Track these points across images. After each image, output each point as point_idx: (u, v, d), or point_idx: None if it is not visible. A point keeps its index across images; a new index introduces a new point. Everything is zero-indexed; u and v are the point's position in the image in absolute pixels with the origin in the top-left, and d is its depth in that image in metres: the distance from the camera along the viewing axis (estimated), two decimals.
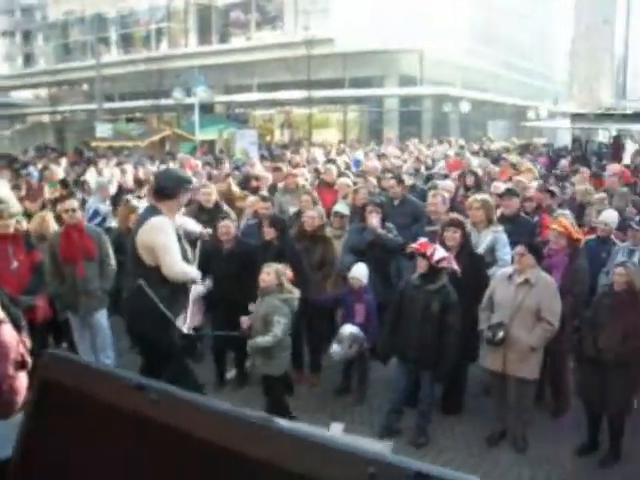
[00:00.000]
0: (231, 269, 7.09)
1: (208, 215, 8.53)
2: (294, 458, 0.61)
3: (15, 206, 8.51)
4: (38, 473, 0.80)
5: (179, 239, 5.39)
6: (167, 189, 5.37)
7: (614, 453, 5.95)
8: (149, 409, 0.71)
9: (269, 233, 7.16)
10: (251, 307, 6.53)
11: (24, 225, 7.51)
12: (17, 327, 5.90)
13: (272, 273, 6.16)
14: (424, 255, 6.14)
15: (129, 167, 15.31)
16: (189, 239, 5.77)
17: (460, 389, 6.92)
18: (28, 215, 8.59)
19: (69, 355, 0.81)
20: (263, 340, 6.01)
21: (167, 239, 5.21)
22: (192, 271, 5.43)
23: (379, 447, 0.61)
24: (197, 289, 5.88)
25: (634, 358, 5.76)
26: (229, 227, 7.39)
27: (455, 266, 6.27)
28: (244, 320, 6.42)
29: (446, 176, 13.18)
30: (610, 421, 6.01)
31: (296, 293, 6.27)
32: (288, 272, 6.31)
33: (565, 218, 7.46)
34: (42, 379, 0.81)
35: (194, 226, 6.17)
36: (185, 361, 5.76)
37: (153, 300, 5.08)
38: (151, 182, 11.28)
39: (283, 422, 0.65)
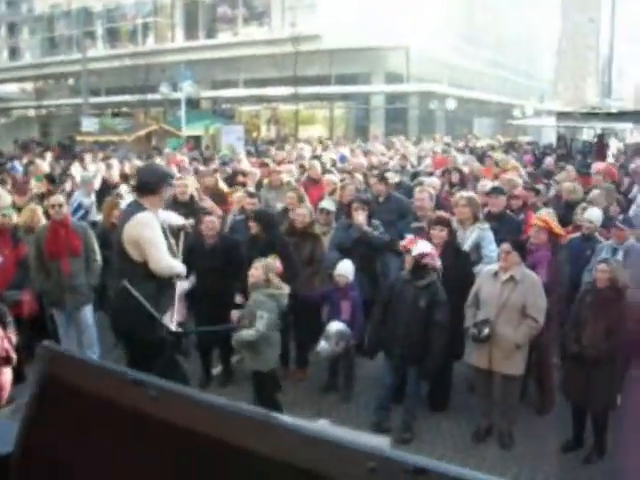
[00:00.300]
0: (215, 264, 7.07)
1: (184, 208, 8.50)
2: (293, 452, 0.61)
3: (5, 199, 8.50)
4: (38, 468, 0.80)
5: (165, 234, 5.39)
6: (150, 184, 5.37)
7: (598, 449, 6.00)
8: (148, 405, 0.72)
9: (253, 227, 7.18)
10: (238, 299, 6.57)
11: (14, 219, 7.49)
12: (1, 323, 5.90)
13: (260, 268, 6.17)
14: (409, 251, 6.18)
15: (115, 162, 15.23)
16: (172, 233, 5.76)
17: (446, 386, 6.94)
18: (17, 209, 8.57)
19: (68, 350, 0.81)
20: (247, 334, 6.01)
21: (153, 234, 5.21)
22: (178, 265, 5.42)
23: (377, 441, 0.61)
24: (182, 285, 5.87)
25: (617, 354, 5.82)
26: (214, 222, 7.37)
27: (437, 263, 6.30)
28: (234, 313, 6.45)
29: (431, 173, 13.22)
30: (594, 417, 6.06)
31: (285, 289, 6.28)
32: (278, 266, 6.33)
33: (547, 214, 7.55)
34: (42, 374, 0.81)
35: (177, 219, 6.16)
36: (174, 357, 5.74)
37: (138, 299, 5.05)
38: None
39: (282, 417, 0.66)
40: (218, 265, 7.03)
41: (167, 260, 5.28)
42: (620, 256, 6.94)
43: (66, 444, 0.79)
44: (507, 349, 6.02)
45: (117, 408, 0.74)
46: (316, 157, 14.86)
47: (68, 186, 11.70)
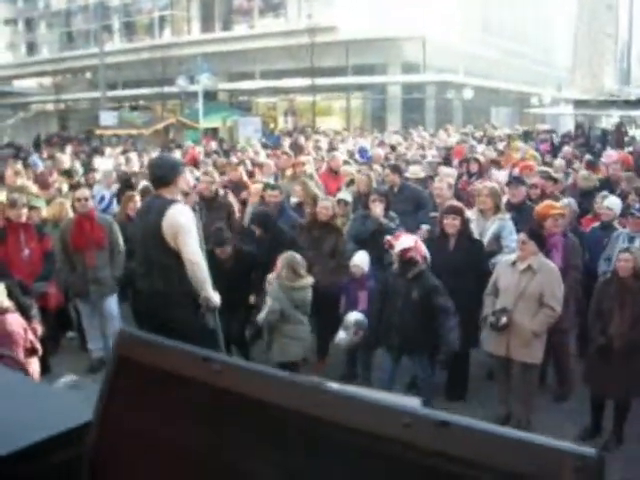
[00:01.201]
0: (233, 283, 6.98)
1: (209, 203, 8.62)
2: (341, 413, 0.71)
3: (31, 189, 8.67)
4: (115, 440, 0.90)
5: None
6: (164, 177, 5.46)
7: (616, 437, 6.05)
8: (214, 378, 0.81)
9: (256, 230, 7.39)
10: (252, 299, 6.75)
11: (43, 212, 7.66)
12: (27, 315, 6.05)
13: (280, 261, 6.37)
14: (393, 247, 6.28)
15: (134, 155, 15.39)
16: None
17: (464, 375, 7.02)
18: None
19: (143, 334, 0.91)
20: (262, 312, 6.34)
21: (190, 224, 5.35)
22: (210, 284, 5.54)
23: (409, 401, 0.71)
24: None
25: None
26: (226, 251, 7.28)
27: (421, 254, 6.38)
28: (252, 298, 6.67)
29: (446, 162, 13.35)
30: (616, 406, 6.11)
31: (303, 281, 6.45)
32: (297, 257, 6.52)
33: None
34: (115, 354, 0.90)
35: None
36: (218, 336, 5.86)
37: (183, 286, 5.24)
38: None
39: (329, 383, 0.76)
40: (236, 282, 7.08)
41: (200, 253, 5.41)
42: (637, 244, 6.96)
43: (140, 417, 0.88)
44: (525, 337, 6.08)
45: (185, 382, 0.83)
46: (334, 149, 14.97)
47: (90, 179, 11.88)
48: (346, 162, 11.69)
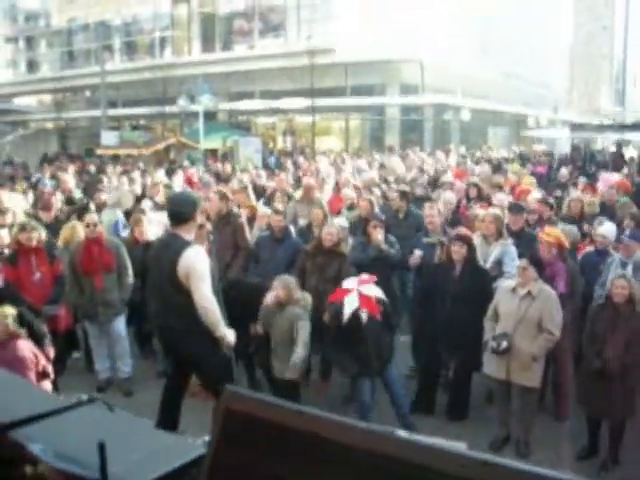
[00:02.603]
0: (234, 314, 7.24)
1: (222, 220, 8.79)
2: (411, 454, 0.89)
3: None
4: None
5: (211, 270, 5.64)
6: (184, 214, 5.60)
7: (613, 458, 6.20)
8: (306, 426, 0.99)
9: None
10: (253, 329, 6.92)
11: (43, 235, 7.82)
12: (38, 339, 6.19)
13: (281, 288, 6.54)
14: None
15: (137, 175, 15.53)
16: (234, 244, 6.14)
17: (465, 396, 7.18)
18: (46, 225, 8.87)
19: (243, 390, 1.08)
20: (299, 355, 6.42)
21: (204, 268, 5.47)
22: (224, 323, 5.66)
23: (457, 445, 0.90)
24: None
25: (635, 365, 6.04)
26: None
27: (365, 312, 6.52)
28: (258, 327, 6.80)
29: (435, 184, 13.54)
30: (611, 426, 6.27)
31: (308, 299, 6.65)
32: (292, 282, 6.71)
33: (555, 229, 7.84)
34: (222, 409, 1.07)
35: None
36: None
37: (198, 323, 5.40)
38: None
39: (398, 432, 0.94)
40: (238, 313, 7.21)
41: (211, 295, 5.50)
42: (630, 269, 7.15)
43: (247, 464, 1.05)
44: (524, 361, 6.25)
45: (282, 431, 1.01)
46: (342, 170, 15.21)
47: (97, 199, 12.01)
48: (356, 188, 11.90)
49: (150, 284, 6.01)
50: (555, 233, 7.40)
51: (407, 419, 6.61)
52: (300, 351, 6.44)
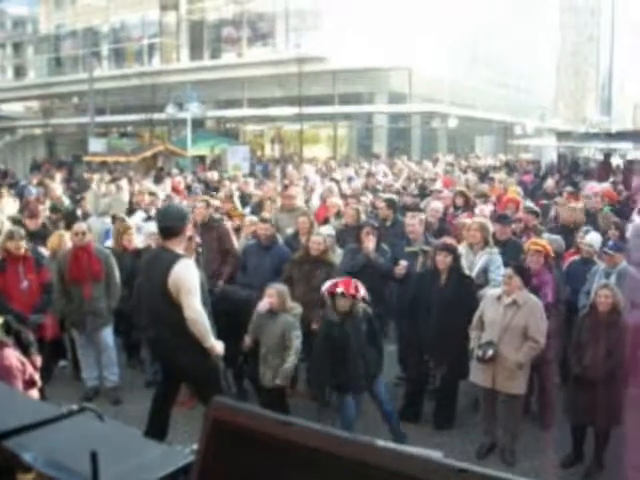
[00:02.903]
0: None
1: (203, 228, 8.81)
2: (390, 462, 0.94)
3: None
4: None
5: (200, 282, 5.68)
6: (173, 228, 5.62)
7: (598, 464, 6.27)
8: (293, 437, 1.03)
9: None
10: (245, 340, 6.93)
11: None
12: (25, 348, 6.18)
13: (275, 295, 6.57)
14: (350, 295, 6.40)
15: (124, 183, 15.49)
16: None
17: (452, 405, 7.23)
18: (30, 234, 8.86)
19: (231, 401, 1.12)
20: (290, 363, 6.51)
21: (193, 282, 5.50)
22: (213, 336, 5.70)
23: (434, 454, 0.96)
24: None
25: (618, 373, 6.11)
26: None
27: (364, 295, 6.61)
28: (247, 340, 6.83)
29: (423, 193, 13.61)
30: (596, 434, 6.33)
31: (299, 308, 6.70)
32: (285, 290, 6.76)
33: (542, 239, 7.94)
34: (213, 418, 1.11)
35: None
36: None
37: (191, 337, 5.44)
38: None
39: (379, 441, 0.99)
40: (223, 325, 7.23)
41: (201, 309, 5.54)
42: (613, 279, 7.23)
43: (234, 475, 1.09)
44: (510, 369, 6.31)
45: (271, 442, 1.04)
46: (333, 179, 15.23)
47: (80, 211, 12.03)
48: (343, 196, 11.95)
49: (141, 297, 6.05)
50: (542, 243, 7.50)
51: (397, 432, 6.65)
52: (292, 360, 6.51)
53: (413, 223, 8.29)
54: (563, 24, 56.93)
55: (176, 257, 5.52)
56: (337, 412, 6.90)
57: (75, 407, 1.54)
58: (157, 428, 5.72)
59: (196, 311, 5.47)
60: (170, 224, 5.66)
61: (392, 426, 6.68)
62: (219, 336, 5.82)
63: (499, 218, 8.88)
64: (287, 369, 6.55)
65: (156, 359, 6.48)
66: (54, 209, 11.88)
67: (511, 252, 7.97)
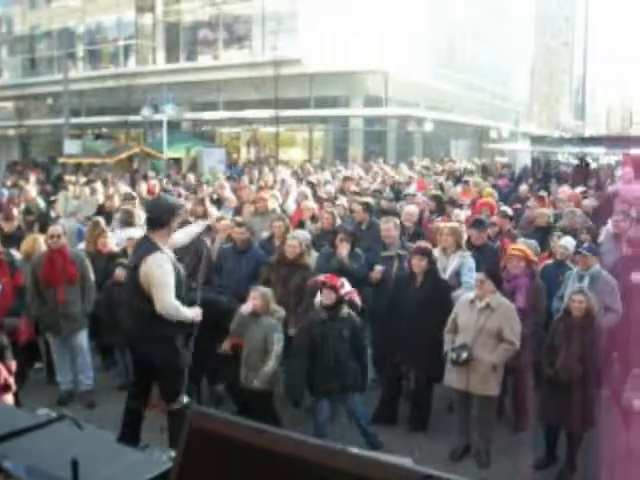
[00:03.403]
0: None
1: None
2: (361, 469, 0.97)
3: None
4: None
5: (177, 273, 5.65)
6: (159, 219, 5.63)
7: (571, 466, 6.35)
8: (268, 444, 1.06)
9: None
10: (224, 345, 6.94)
11: None
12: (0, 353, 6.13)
13: (259, 297, 6.60)
14: (333, 287, 6.50)
15: (99, 186, 15.38)
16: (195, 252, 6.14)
17: (426, 407, 7.27)
18: (4, 236, 8.79)
19: (207, 409, 1.14)
20: (270, 367, 6.52)
21: (163, 276, 5.45)
22: (187, 311, 5.63)
23: (403, 460, 0.99)
24: None
25: (591, 376, 6.19)
26: None
27: (358, 300, 6.81)
28: (225, 345, 6.84)
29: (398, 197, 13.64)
30: (569, 436, 6.41)
31: (282, 312, 6.78)
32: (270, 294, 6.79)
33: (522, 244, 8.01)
34: (187, 428, 1.13)
35: (194, 229, 6.53)
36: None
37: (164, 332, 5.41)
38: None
39: (351, 448, 1.02)
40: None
41: (173, 303, 5.50)
42: (586, 282, 7.32)
43: (208, 473, 1.12)
44: (484, 372, 6.37)
45: (246, 450, 1.07)
46: (309, 183, 15.22)
47: (53, 213, 11.94)
48: (319, 200, 11.97)
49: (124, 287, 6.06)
50: (522, 248, 7.56)
51: (373, 441, 6.67)
52: (272, 363, 6.53)
53: (388, 227, 8.33)
54: (538, 30, 57.48)
55: (152, 248, 5.52)
56: (310, 416, 6.96)
57: (54, 414, 1.56)
58: (131, 431, 5.71)
59: (167, 306, 5.45)
60: (157, 215, 5.67)
61: (367, 439, 6.69)
62: (196, 339, 5.80)
63: (475, 223, 8.94)
64: (266, 372, 6.55)
65: (129, 352, 6.44)
66: (28, 211, 11.77)
67: (487, 256, 8.06)
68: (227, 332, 6.97)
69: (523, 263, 7.32)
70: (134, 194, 12.69)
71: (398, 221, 8.68)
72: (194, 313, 5.69)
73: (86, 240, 9.28)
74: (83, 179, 18.65)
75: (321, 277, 6.72)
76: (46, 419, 1.54)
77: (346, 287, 6.58)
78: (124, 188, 15.25)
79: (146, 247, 5.58)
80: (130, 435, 5.54)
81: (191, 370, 7.17)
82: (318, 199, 12.18)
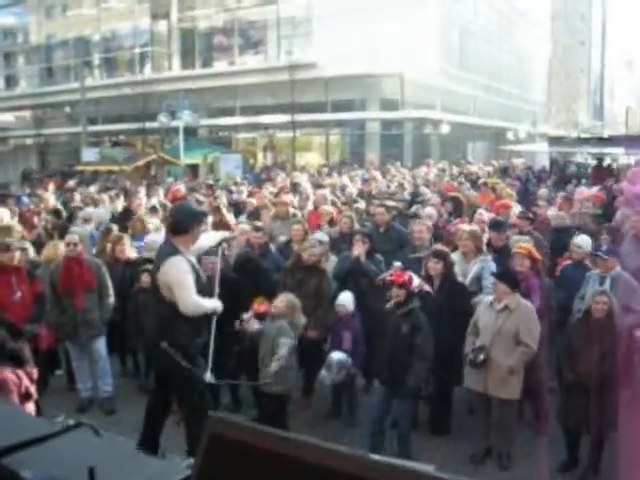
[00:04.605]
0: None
1: None
2: (385, 476, 0.95)
3: (15, 232, 8.83)
4: None
5: (197, 275, 5.62)
6: (182, 224, 5.59)
7: (593, 469, 6.26)
8: (285, 450, 1.04)
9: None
10: (245, 316, 6.95)
11: (30, 253, 7.81)
12: (18, 361, 6.13)
13: (284, 302, 6.59)
14: (401, 285, 6.46)
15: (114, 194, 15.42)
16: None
17: (447, 410, 7.22)
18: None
19: (227, 416, 1.12)
20: (272, 368, 6.45)
21: (182, 276, 5.43)
22: (210, 303, 5.62)
23: (426, 467, 0.98)
24: None
25: (612, 379, 6.11)
26: (214, 263, 7.54)
27: (427, 287, 6.80)
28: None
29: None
30: (592, 440, 6.32)
31: (303, 320, 6.79)
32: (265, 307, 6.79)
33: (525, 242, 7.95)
34: (208, 433, 1.12)
35: (216, 237, 6.49)
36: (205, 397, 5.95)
37: (176, 359, 5.36)
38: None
39: (372, 455, 1.00)
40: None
41: (194, 299, 5.47)
42: (607, 284, 7.24)
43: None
44: (502, 374, 6.31)
45: (267, 457, 1.06)
46: (321, 186, 15.22)
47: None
48: (333, 202, 11.96)
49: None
50: (525, 246, 7.50)
51: (406, 448, 6.61)
52: (275, 365, 6.45)
53: (420, 229, 8.35)
54: (554, 29, 57.19)
55: (172, 252, 5.50)
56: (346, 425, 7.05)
57: (71, 422, 1.55)
58: (151, 438, 5.70)
59: (187, 304, 5.43)
60: (179, 219, 5.64)
61: (400, 443, 6.60)
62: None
63: (494, 225, 8.88)
64: (268, 371, 6.49)
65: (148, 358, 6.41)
66: (56, 213, 11.82)
67: (507, 259, 7.99)
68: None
69: (528, 261, 7.26)
70: (158, 207, 12.50)
71: (431, 224, 8.68)
72: (215, 304, 5.65)
73: (98, 246, 9.32)
74: (94, 188, 18.65)
75: (387, 275, 6.74)
76: (63, 427, 1.53)
77: (415, 281, 6.55)
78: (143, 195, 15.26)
79: (166, 251, 5.57)
80: (150, 442, 5.53)
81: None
82: (335, 203, 12.19)
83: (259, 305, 6.97)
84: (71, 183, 22.01)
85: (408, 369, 6.34)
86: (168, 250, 5.57)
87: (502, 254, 8.15)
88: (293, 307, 6.75)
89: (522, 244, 7.62)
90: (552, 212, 10.92)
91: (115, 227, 9.72)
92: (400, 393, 6.43)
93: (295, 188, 15.83)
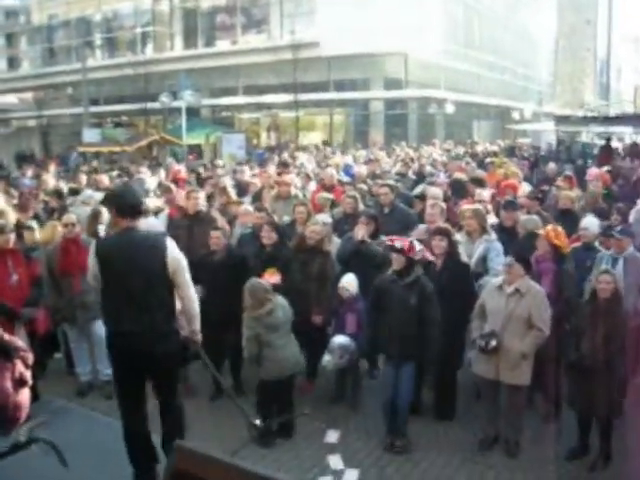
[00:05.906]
0: (222, 279, 7.14)
1: (193, 220, 8.64)
2: None
3: (10, 217, 8.65)
4: None
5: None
6: (140, 205, 5.43)
7: (604, 456, 6.12)
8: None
9: (270, 238, 7.50)
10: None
11: (37, 234, 7.71)
12: (6, 354, 5.97)
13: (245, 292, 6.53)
14: (400, 251, 6.26)
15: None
16: None
17: (452, 395, 7.07)
18: (18, 226, 8.65)
19: (195, 447, 0.97)
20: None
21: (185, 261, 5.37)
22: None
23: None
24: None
25: (617, 362, 5.94)
26: (220, 237, 7.47)
27: (430, 256, 6.63)
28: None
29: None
30: (600, 424, 6.18)
31: (276, 300, 6.58)
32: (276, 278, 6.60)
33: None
34: (171, 466, 0.96)
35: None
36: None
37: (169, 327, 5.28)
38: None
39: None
40: (225, 279, 7.13)
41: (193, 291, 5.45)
42: (620, 265, 7.05)
43: None
44: (514, 360, 6.14)
45: None
46: (328, 165, 15.06)
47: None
48: (341, 184, 11.81)
49: (118, 286, 5.35)
50: (555, 229, 7.17)
51: (400, 430, 6.47)
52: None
53: (434, 212, 8.18)
54: (560, 8, 56.67)
55: (162, 236, 5.40)
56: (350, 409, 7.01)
57: (22, 439, 1.39)
58: (139, 426, 5.51)
59: (191, 291, 5.38)
60: (137, 201, 5.41)
61: (397, 422, 6.46)
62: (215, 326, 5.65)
63: (505, 204, 8.69)
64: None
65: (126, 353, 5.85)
66: (58, 194, 11.59)
67: (517, 239, 7.81)
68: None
69: (547, 245, 7.01)
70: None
71: (445, 206, 8.51)
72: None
73: (87, 229, 9.08)
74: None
75: (387, 240, 6.60)
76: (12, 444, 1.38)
77: (417, 247, 6.34)
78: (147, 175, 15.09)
79: (151, 236, 5.43)
80: (139, 430, 5.45)
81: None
82: (339, 183, 12.03)
83: (270, 276, 6.83)
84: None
85: (420, 343, 6.19)
86: (154, 235, 5.48)
87: (511, 234, 7.95)
88: (254, 293, 6.52)
89: (553, 227, 7.29)
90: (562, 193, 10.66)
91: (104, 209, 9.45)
92: (410, 369, 6.31)
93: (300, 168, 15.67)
